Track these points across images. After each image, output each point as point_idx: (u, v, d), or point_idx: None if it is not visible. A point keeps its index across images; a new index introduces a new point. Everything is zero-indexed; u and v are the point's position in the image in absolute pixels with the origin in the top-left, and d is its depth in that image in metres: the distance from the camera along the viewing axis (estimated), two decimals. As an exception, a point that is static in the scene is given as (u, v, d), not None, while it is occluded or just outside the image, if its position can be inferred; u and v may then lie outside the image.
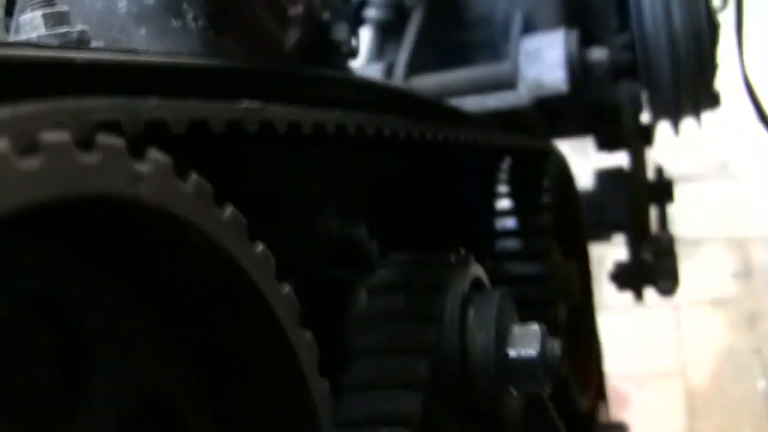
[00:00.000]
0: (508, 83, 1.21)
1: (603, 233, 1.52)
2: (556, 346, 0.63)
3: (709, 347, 3.01)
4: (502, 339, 0.62)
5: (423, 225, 0.84)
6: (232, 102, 0.45)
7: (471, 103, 1.18)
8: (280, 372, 0.42)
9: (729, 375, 2.95)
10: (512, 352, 0.61)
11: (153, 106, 0.38)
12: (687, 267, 3.15)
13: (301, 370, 0.42)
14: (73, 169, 0.31)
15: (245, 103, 0.46)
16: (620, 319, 3.08)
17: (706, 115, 3.34)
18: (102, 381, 0.38)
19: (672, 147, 3.36)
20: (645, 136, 1.53)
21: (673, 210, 3.27)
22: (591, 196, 1.50)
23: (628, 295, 3.21)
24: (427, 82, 1.25)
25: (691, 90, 1.49)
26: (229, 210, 0.39)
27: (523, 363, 0.61)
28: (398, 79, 1.23)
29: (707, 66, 1.47)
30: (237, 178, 0.51)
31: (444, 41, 1.41)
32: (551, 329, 0.97)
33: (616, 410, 2.94)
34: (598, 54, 1.37)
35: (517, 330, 0.63)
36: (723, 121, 3.32)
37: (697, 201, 3.29)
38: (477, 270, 0.67)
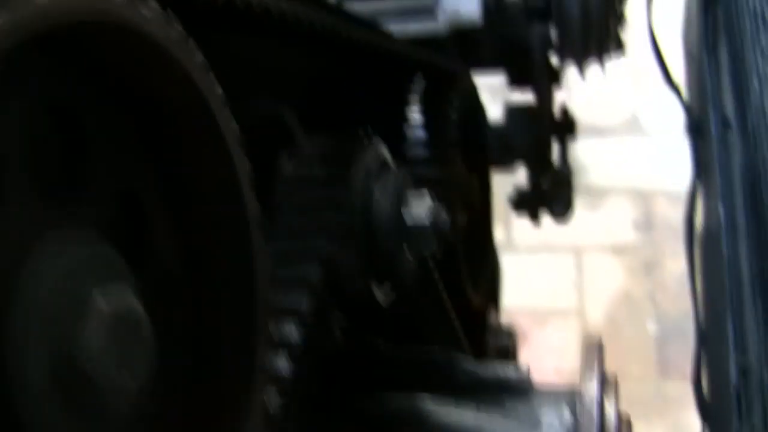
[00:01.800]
0: (429, 12, 1.33)
1: (508, 161, 1.64)
2: (444, 215, 0.77)
3: (607, 291, 3.18)
4: (399, 204, 0.75)
5: (344, 122, 0.96)
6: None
7: (395, 29, 1.30)
8: (222, 185, 0.55)
9: (623, 318, 3.13)
10: (407, 216, 0.75)
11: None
12: (592, 215, 3.33)
13: (239, 184, 0.55)
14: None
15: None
16: (525, 260, 3.24)
17: (618, 70, 3.48)
18: (94, 171, 0.50)
19: (586, 102, 3.52)
20: (553, 75, 1.65)
21: (584, 161, 3.44)
22: (500, 128, 1.62)
23: (535, 238, 3.37)
24: (359, 8, 1.37)
25: (597, 36, 1.63)
26: (198, 56, 0.52)
27: (416, 225, 0.74)
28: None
29: (615, 14, 1.61)
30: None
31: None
32: (452, 229, 1.11)
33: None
34: (514, -6, 1.49)
35: (412, 200, 0.76)
36: (635, 77, 3.48)
37: (607, 154, 3.44)
38: (384, 152, 0.79)
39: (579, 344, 2.74)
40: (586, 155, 3.47)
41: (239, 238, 0.56)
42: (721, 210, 1.48)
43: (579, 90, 3.48)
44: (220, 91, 0.53)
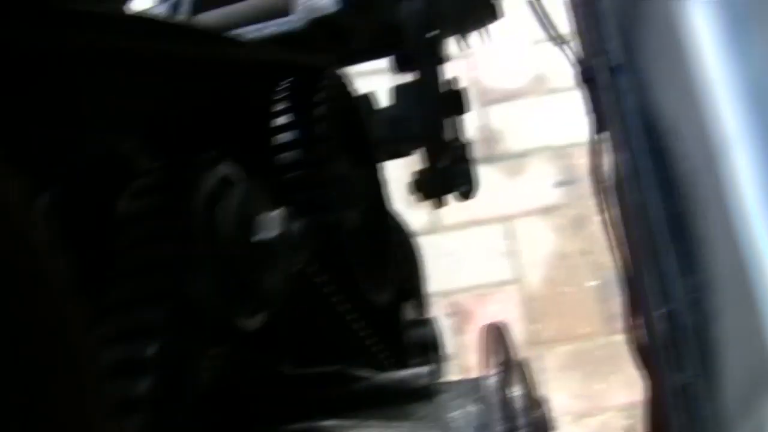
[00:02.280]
0: (284, 11, 1.27)
1: (402, 148, 1.59)
2: (295, 227, 0.72)
3: (542, 254, 3.16)
4: (245, 223, 0.69)
5: (198, 143, 0.90)
6: None
7: (252, 33, 1.24)
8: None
9: (562, 278, 3.11)
10: (256, 234, 0.69)
11: None
12: (514, 181, 3.31)
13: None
14: None
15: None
16: (457, 238, 3.22)
17: (519, 36, 3.45)
18: None
19: (489, 67, 3.50)
20: (434, 51, 1.61)
21: (499, 128, 3.41)
22: (388, 111, 1.57)
23: (462, 214, 3.34)
24: (212, 16, 1.31)
25: (470, 5, 1.59)
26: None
27: (266, 241, 0.69)
28: (182, 15, 1.29)
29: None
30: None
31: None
32: (337, 231, 1.06)
33: (461, 324, 3.08)
34: (371, -26, 1.44)
35: (261, 217, 0.71)
36: (533, 36, 3.46)
37: (519, 117, 3.43)
38: (228, 170, 0.74)
39: (523, 313, 2.72)
40: (500, 122, 3.45)
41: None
42: (623, 157, 1.45)
43: (481, 58, 3.47)
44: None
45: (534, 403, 0.83)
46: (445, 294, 3.11)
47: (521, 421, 0.80)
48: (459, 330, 3.07)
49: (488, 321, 2.68)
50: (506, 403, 0.80)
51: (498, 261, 3.16)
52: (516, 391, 0.83)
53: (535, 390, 0.85)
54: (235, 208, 0.70)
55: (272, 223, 0.70)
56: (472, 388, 0.84)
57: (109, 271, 0.68)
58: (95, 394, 0.53)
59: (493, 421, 0.79)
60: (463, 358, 3.00)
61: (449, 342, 3.04)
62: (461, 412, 0.82)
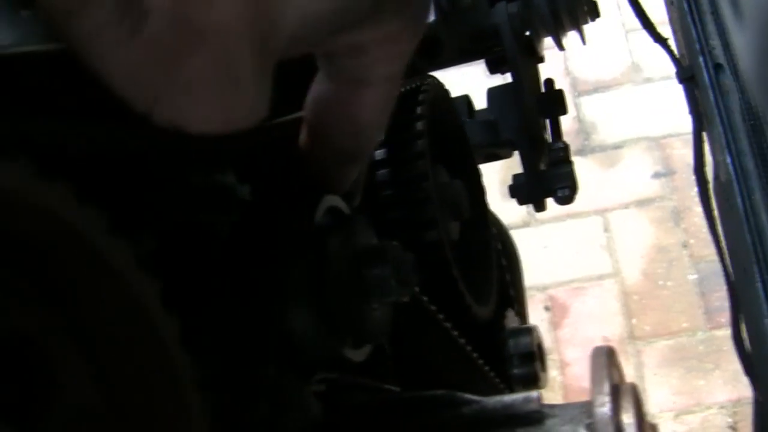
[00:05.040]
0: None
1: (501, 151, 1.58)
2: (408, 259, 0.70)
3: (639, 247, 3.11)
4: (355, 257, 0.69)
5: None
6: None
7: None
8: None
9: (661, 272, 3.06)
10: (366, 271, 0.68)
11: None
12: (610, 173, 3.26)
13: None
14: None
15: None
16: (552, 231, 3.18)
17: (612, 24, 3.40)
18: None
19: (583, 58, 3.45)
20: (530, 52, 1.59)
21: (593, 119, 3.37)
22: (484, 115, 1.56)
23: (557, 208, 3.31)
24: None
25: (567, 4, 1.56)
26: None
27: (377, 279, 0.68)
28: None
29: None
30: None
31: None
32: (436, 247, 1.05)
33: (558, 319, 3.05)
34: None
35: (371, 248, 0.70)
36: (628, 25, 3.40)
37: (614, 107, 3.38)
38: (331, 200, 0.73)
39: (621, 307, 2.68)
40: (594, 113, 3.40)
41: (155, 355, 0.51)
42: (728, 159, 1.41)
43: (574, 50, 3.43)
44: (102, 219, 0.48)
45: (646, 430, 0.81)
46: (542, 288, 3.09)
47: (635, 449, 0.78)
48: (555, 324, 3.05)
49: (588, 315, 2.64)
50: (620, 431, 0.78)
51: (595, 254, 3.13)
52: (628, 418, 0.81)
53: (645, 416, 0.83)
54: (345, 239, 0.69)
55: (382, 255, 0.69)
56: (582, 413, 0.82)
57: (216, 301, 0.68)
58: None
59: (606, 449, 0.77)
60: (560, 353, 2.98)
61: (545, 337, 3.02)
62: (573, 440, 0.81)
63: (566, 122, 3.28)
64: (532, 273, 3.16)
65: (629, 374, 2.78)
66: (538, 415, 0.84)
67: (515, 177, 1.56)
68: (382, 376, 0.92)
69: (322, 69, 0.64)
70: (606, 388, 0.82)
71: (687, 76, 1.58)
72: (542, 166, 1.56)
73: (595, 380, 0.84)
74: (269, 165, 0.81)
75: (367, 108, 0.64)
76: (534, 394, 0.84)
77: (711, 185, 1.56)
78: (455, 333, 1.01)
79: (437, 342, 1.00)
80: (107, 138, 0.53)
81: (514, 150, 1.57)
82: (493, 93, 1.59)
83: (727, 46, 1.46)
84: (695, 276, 3.00)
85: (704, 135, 1.59)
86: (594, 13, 1.62)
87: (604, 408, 0.80)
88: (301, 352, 0.67)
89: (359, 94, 0.63)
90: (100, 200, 0.48)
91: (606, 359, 0.86)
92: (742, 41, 1.41)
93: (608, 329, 2.94)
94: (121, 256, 0.48)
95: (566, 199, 1.55)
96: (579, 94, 3.42)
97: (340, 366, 0.77)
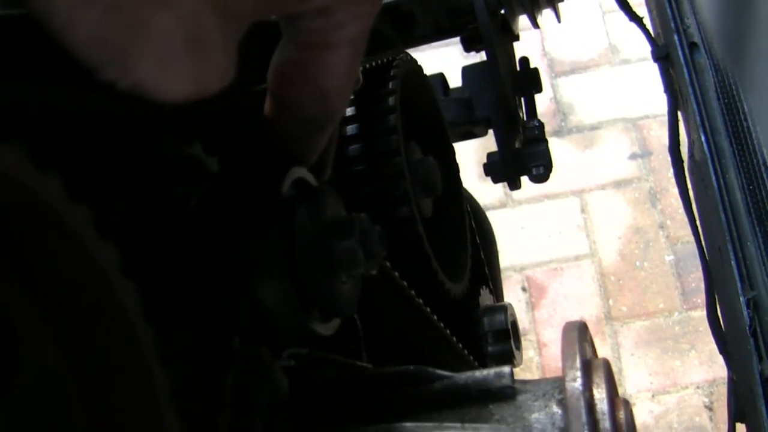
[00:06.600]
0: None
1: (476, 129, 1.57)
2: (376, 231, 0.69)
3: (616, 228, 3.11)
4: (322, 230, 0.68)
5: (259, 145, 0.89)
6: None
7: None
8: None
9: (637, 253, 3.06)
10: (333, 242, 0.67)
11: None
12: (587, 154, 3.26)
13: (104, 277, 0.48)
14: None
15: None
16: (529, 212, 3.18)
17: (589, 5, 3.39)
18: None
19: (561, 39, 3.45)
20: (505, 30, 1.58)
21: (570, 100, 3.36)
22: (459, 93, 1.55)
23: (534, 189, 3.30)
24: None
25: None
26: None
27: (344, 251, 0.67)
28: None
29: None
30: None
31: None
32: (408, 223, 1.04)
33: (535, 299, 3.05)
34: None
35: (338, 220, 0.69)
36: (607, 7, 3.40)
37: (591, 88, 3.37)
38: (298, 172, 0.72)
39: (598, 288, 2.67)
40: (571, 94, 3.40)
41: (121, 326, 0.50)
42: (702, 138, 1.41)
43: (551, 31, 3.42)
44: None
45: (618, 406, 0.80)
46: (519, 269, 3.08)
47: (606, 424, 0.78)
48: (533, 305, 3.05)
49: (566, 296, 2.64)
50: (591, 406, 0.77)
51: (572, 235, 3.12)
52: (600, 393, 0.80)
53: (618, 392, 0.82)
54: (312, 211, 0.68)
55: (350, 226, 0.68)
56: (554, 388, 0.81)
57: (183, 272, 0.67)
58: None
59: (578, 423, 0.77)
60: (538, 334, 2.98)
61: (523, 317, 3.03)
62: (544, 414, 0.80)
63: (543, 103, 3.27)
64: (510, 254, 3.16)
65: (606, 355, 2.79)
66: (511, 390, 0.83)
67: (490, 155, 1.55)
68: (353, 352, 0.91)
69: (285, 33, 0.63)
70: (578, 363, 0.81)
71: (662, 55, 1.58)
72: (517, 144, 1.55)
73: (567, 355, 0.83)
74: (236, 136, 0.80)
75: (332, 72, 0.63)
76: (506, 369, 0.83)
77: (686, 164, 1.56)
78: (427, 309, 1.00)
79: (409, 318, 0.99)
80: (68, 102, 0.51)
81: (489, 128, 1.56)
82: (468, 71, 1.58)
83: (702, 25, 1.46)
84: (672, 257, 3.01)
85: (680, 114, 1.59)
86: (568, -9, 1.61)
87: (575, 383, 0.80)
88: (269, 323, 0.66)
89: (323, 58, 0.62)
90: (60, 166, 0.47)
91: (578, 334, 0.85)
92: None
93: (585, 310, 2.94)
94: (79, 221, 0.47)
95: (541, 177, 1.54)
96: (556, 75, 3.41)
97: (310, 341, 0.76)
